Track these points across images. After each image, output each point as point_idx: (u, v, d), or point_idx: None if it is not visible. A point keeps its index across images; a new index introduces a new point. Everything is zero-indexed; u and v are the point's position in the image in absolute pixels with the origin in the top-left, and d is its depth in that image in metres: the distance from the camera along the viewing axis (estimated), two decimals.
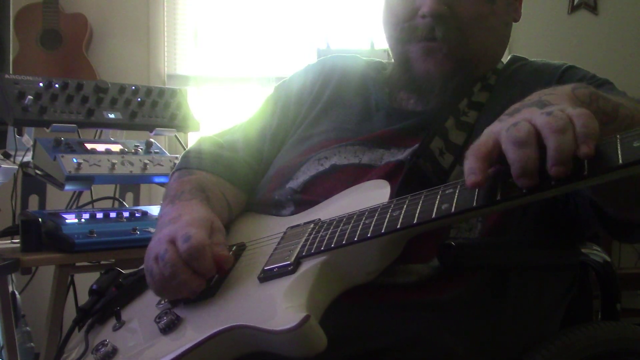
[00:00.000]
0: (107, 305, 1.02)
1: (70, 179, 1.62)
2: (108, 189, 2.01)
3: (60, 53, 3.23)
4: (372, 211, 0.83)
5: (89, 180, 1.67)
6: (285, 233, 0.94)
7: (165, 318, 0.88)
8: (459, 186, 0.75)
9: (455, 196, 0.74)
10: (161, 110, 1.90)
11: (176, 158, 1.81)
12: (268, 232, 0.97)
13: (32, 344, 2.46)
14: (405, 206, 0.79)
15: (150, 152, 1.83)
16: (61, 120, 1.72)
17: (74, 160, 1.63)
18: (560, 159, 0.64)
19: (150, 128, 1.88)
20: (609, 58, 3.34)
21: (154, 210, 1.72)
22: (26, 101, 1.67)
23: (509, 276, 0.92)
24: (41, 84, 1.73)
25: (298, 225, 0.93)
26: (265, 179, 1.12)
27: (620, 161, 0.63)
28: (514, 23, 1.10)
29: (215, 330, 0.79)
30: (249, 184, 1.15)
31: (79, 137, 1.81)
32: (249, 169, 1.16)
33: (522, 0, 1.11)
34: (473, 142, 0.77)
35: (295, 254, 0.85)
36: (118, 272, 1.08)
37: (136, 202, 2.03)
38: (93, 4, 3.37)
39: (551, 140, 0.64)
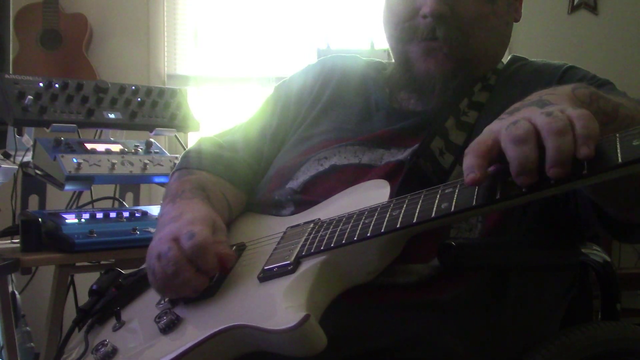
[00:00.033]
0: (107, 305, 1.02)
1: (70, 179, 1.62)
2: (108, 189, 2.01)
3: (60, 53, 3.23)
4: (371, 211, 0.83)
5: (89, 180, 1.67)
6: (285, 233, 0.94)
7: (165, 318, 0.88)
8: (458, 185, 0.75)
9: (455, 195, 0.74)
10: (161, 110, 1.90)
11: (176, 158, 1.81)
12: (268, 232, 0.97)
13: (32, 344, 2.46)
14: (404, 206, 0.79)
15: (150, 152, 1.83)
16: (61, 120, 1.72)
17: (74, 160, 1.63)
18: (559, 160, 0.64)
19: (150, 128, 1.88)
20: (609, 58, 3.34)
21: (154, 210, 1.72)
22: (26, 101, 1.67)
23: (509, 276, 0.92)
24: (41, 84, 1.73)
25: (298, 225, 0.93)
26: (265, 179, 1.12)
27: (620, 160, 0.63)
28: (514, 23, 1.10)
29: (215, 329, 0.79)
30: (248, 184, 1.15)
31: (79, 137, 1.81)
32: (248, 169, 1.16)
33: (523, 0, 1.11)
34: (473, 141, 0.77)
35: (295, 254, 0.85)
36: (118, 272, 1.08)
37: (136, 202, 2.03)
38: (93, 4, 3.37)
39: (550, 142, 0.64)
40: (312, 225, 0.90)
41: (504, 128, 0.68)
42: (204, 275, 0.88)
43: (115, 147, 1.77)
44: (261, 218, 1.06)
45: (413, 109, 1.08)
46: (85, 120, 1.76)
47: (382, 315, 0.87)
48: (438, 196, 0.76)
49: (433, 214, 0.74)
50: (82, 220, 1.60)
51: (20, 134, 1.81)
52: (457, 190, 0.74)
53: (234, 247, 0.98)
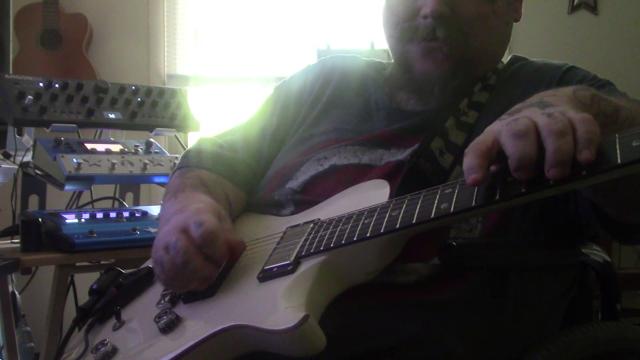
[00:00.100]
0: (107, 305, 1.02)
1: (70, 179, 1.62)
2: (108, 189, 2.01)
3: (60, 53, 3.23)
4: (371, 211, 0.83)
5: (89, 180, 1.67)
6: (284, 233, 0.94)
7: (165, 318, 0.88)
8: (458, 186, 0.75)
9: (455, 196, 0.74)
10: (161, 110, 1.90)
11: (176, 158, 1.81)
12: (268, 232, 0.97)
13: (32, 344, 2.46)
14: (404, 206, 0.79)
15: (150, 152, 1.83)
16: (61, 120, 1.72)
17: (74, 160, 1.63)
18: (559, 161, 0.64)
19: (150, 128, 1.88)
20: (609, 58, 3.34)
21: (154, 210, 1.72)
22: (26, 101, 1.67)
23: (509, 276, 0.92)
24: (41, 84, 1.73)
25: (298, 225, 0.93)
26: (265, 179, 1.12)
27: (619, 160, 0.63)
28: (514, 23, 1.10)
29: (214, 329, 0.79)
30: (248, 184, 1.15)
31: (79, 137, 1.81)
32: (248, 169, 1.16)
33: (522, 0, 1.11)
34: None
35: (294, 254, 0.85)
36: (118, 271, 1.08)
37: (136, 202, 2.03)
38: (93, 4, 3.37)
39: (550, 142, 0.64)
40: (311, 225, 0.90)
41: (504, 125, 0.68)
42: (213, 264, 0.87)
43: (115, 147, 1.77)
44: (261, 218, 1.06)
45: (413, 109, 1.08)
46: (85, 120, 1.76)
47: (382, 315, 0.87)
48: (437, 196, 0.76)
49: (432, 215, 0.74)
50: (82, 220, 1.60)
51: (20, 134, 1.81)
52: (456, 191, 0.74)
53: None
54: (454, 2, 1.01)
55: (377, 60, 1.23)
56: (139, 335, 0.93)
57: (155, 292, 0.99)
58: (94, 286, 1.05)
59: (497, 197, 0.69)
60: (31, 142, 1.76)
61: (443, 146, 0.97)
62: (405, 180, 0.93)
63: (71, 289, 1.81)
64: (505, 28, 1.08)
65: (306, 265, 0.83)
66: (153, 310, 0.93)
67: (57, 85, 1.75)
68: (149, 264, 1.06)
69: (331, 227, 0.85)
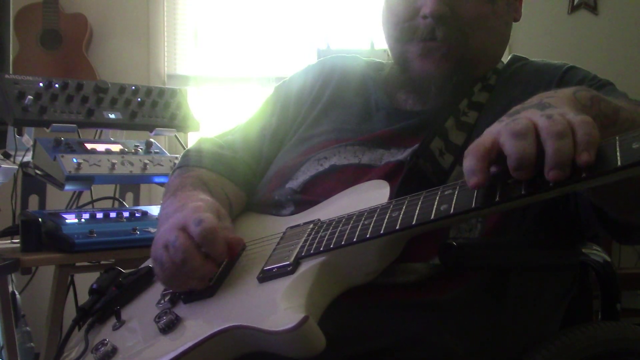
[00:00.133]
0: (107, 304, 1.02)
1: (70, 179, 1.62)
2: (108, 189, 2.01)
3: (60, 53, 3.23)
4: (371, 212, 0.83)
5: (89, 180, 1.68)
6: (284, 233, 0.94)
7: (164, 318, 0.88)
8: (458, 187, 0.75)
9: (454, 197, 0.74)
10: (161, 110, 1.90)
11: (176, 158, 1.81)
12: (268, 232, 0.97)
13: (32, 344, 2.46)
14: (404, 207, 0.79)
15: (150, 152, 1.83)
16: (61, 120, 1.72)
17: (74, 160, 1.63)
18: (558, 162, 0.64)
19: (150, 128, 1.88)
20: (609, 58, 3.34)
21: (154, 210, 1.72)
22: (26, 101, 1.67)
23: (509, 276, 0.92)
24: (41, 84, 1.73)
25: (298, 226, 0.93)
26: (265, 179, 1.12)
27: (619, 163, 0.63)
28: (514, 23, 1.10)
29: (214, 330, 0.79)
30: (248, 184, 1.15)
31: (79, 137, 1.81)
32: (248, 168, 1.16)
33: (522, 0, 1.11)
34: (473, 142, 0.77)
35: (294, 255, 0.85)
36: (118, 271, 1.08)
37: (136, 202, 2.03)
38: (93, 4, 3.37)
39: (549, 144, 0.64)
40: (311, 225, 0.90)
41: (504, 126, 0.68)
42: (212, 262, 0.87)
43: (115, 147, 1.78)
44: (261, 218, 1.06)
45: (412, 109, 1.08)
46: (85, 120, 1.76)
47: (382, 315, 0.87)
48: (437, 198, 0.76)
49: (432, 216, 0.74)
50: (82, 220, 1.60)
51: (20, 134, 1.81)
52: (456, 192, 0.74)
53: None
54: (454, 2, 1.01)
55: (377, 60, 1.23)
56: (139, 335, 0.93)
57: (155, 292, 0.99)
58: (94, 286, 1.05)
59: (497, 198, 0.69)
60: (31, 142, 1.76)
61: (443, 146, 0.97)
62: (405, 181, 0.93)
63: (71, 289, 1.81)
64: (505, 28, 1.08)
65: (306, 266, 0.83)
66: (153, 310, 0.93)
67: (57, 85, 1.75)
68: (149, 263, 1.06)
69: (331, 228, 0.85)
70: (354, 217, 0.84)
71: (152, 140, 1.87)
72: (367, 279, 0.84)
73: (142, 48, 3.40)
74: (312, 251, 0.84)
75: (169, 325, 0.87)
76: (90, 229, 1.54)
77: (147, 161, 1.76)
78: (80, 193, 1.96)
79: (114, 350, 0.91)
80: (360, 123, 1.09)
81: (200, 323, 0.86)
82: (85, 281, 1.29)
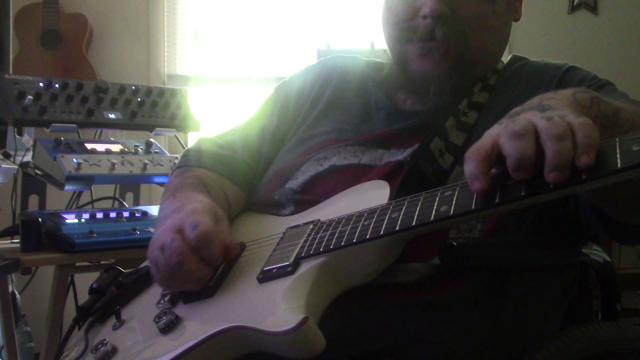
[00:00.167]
0: (107, 304, 1.02)
1: (70, 179, 1.62)
2: (108, 189, 2.01)
3: (60, 53, 3.23)
4: (371, 212, 0.83)
5: (89, 180, 1.68)
6: (284, 233, 0.94)
7: (164, 318, 0.88)
8: (458, 188, 0.75)
9: (454, 198, 0.74)
10: (161, 110, 1.90)
11: (176, 158, 1.81)
12: (268, 232, 0.97)
13: (32, 344, 2.46)
14: (404, 208, 0.79)
15: (150, 152, 1.83)
16: (61, 120, 1.72)
17: (74, 160, 1.63)
18: (558, 164, 0.64)
19: (150, 128, 1.88)
20: (609, 58, 3.34)
21: (154, 210, 1.72)
22: (26, 101, 1.67)
23: (509, 276, 0.92)
24: (41, 84, 1.73)
25: (297, 226, 0.93)
26: (265, 179, 1.12)
27: (619, 165, 0.63)
28: (514, 23, 1.10)
29: (214, 330, 0.79)
30: (248, 183, 1.15)
31: (79, 137, 1.81)
32: (248, 168, 1.16)
33: (522, 0, 1.11)
34: (473, 143, 0.77)
35: (294, 255, 0.85)
36: (118, 271, 1.08)
37: (136, 202, 2.03)
38: (93, 4, 3.37)
39: (549, 146, 0.65)
40: (311, 226, 0.90)
41: (503, 128, 0.68)
42: (207, 266, 0.87)
43: (115, 147, 1.78)
44: (261, 218, 1.06)
45: (411, 109, 1.08)
46: (85, 120, 1.76)
47: (382, 315, 0.87)
48: (437, 199, 0.76)
49: (432, 217, 0.74)
50: (82, 220, 1.60)
51: (20, 134, 1.81)
52: (456, 193, 0.74)
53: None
54: (454, 2, 1.01)
55: (377, 60, 1.23)
56: (139, 335, 0.93)
57: (155, 292, 0.99)
58: (94, 285, 1.05)
59: (497, 200, 0.69)
60: (31, 142, 1.76)
61: (443, 147, 0.97)
62: (405, 181, 0.93)
63: (71, 289, 1.81)
64: (504, 28, 1.08)
65: (306, 267, 0.82)
66: (153, 310, 0.93)
67: (57, 85, 1.75)
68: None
69: (331, 229, 0.85)
70: (354, 217, 0.84)
71: (152, 140, 1.87)
72: (366, 280, 0.84)
73: (142, 48, 3.40)
74: (311, 252, 0.84)
75: (169, 326, 0.87)
76: (90, 229, 1.54)
77: (147, 161, 1.76)
78: (80, 193, 1.96)
79: (114, 350, 0.91)
80: (360, 123, 1.09)
81: (200, 323, 0.86)
82: (85, 281, 1.29)
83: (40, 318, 2.00)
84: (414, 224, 0.76)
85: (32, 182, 1.74)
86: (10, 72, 1.98)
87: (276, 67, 3.40)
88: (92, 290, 1.05)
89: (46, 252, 1.55)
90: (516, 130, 0.66)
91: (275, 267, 0.85)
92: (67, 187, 1.65)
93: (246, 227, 1.06)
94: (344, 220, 0.85)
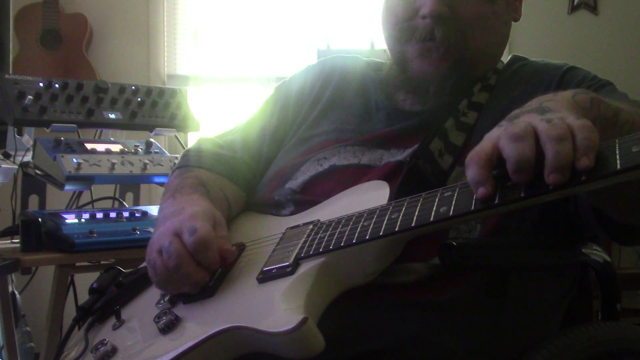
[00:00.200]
0: (107, 304, 1.02)
1: (70, 179, 1.62)
2: (108, 189, 2.01)
3: (60, 53, 3.23)
4: (370, 213, 0.83)
5: (89, 180, 1.68)
6: (284, 234, 0.94)
7: (164, 318, 0.88)
8: (457, 189, 0.75)
9: (454, 199, 0.74)
10: (161, 110, 1.90)
11: (176, 158, 1.81)
12: (267, 232, 0.97)
13: (32, 344, 2.46)
14: (403, 209, 0.79)
15: (150, 152, 1.83)
16: (61, 120, 1.72)
17: (74, 160, 1.63)
18: (558, 166, 0.64)
19: (150, 128, 1.88)
20: (609, 58, 3.34)
21: (154, 210, 1.72)
22: (26, 101, 1.67)
23: (509, 276, 0.92)
24: (41, 84, 1.73)
25: (297, 226, 0.93)
26: (265, 179, 1.12)
27: (619, 166, 0.63)
28: (514, 23, 1.10)
29: (213, 330, 0.79)
30: (248, 183, 1.15)
31: (79, 137, 1.81)
32: (248, 168, 1.16)
33: (522, 0, 1.11)
34: (473, 143, 0.77)
35: (294, 255, 0.85)
36: (118, 270, 1.08)
37: (136, 202, 2.03)
38: (93, 4, 3.37)
39: (549, 148, 0.65)
40: (311, 226, 0.90)
41: (503, 130, 0.68)
42: (204, 270, 0.88)
43: (115, 147, 1.78)
44: (261, 218, 1.06)
45: (411, 109, 1.08)
46: (85, 120, 1.76)
47: (382, 315, 0.87)
48: (437, 200, 0.76)
49: (432, 218, 0.74)
50: (82, 220, 1.60)
51: (20, 134, 1.81)
52: (456, 194, 0.74)
53: (234, 247, 0.98)
54: (453, 2, 1.01)
55: (378, 60, 1.23)
56: (139, 335, 0.93)
57: (155, 292, 0.99)
58: (94, 285, 1.05)
59: (496, 201, 0.69)
60: (31, 142, 1.76)
61: (442, 147, 0.97)
62: (405, 181, 0.93)
63: (71, 289, 1.81)
64: (504, 28, 1.08)
65: (305, 267, 0.82)
66: (153, 310, 0.93)
67: (57, 85, 1.75)
68: None
69: (330, 229, 0.85)
70: (354, 218, 0.84)
71: (152, 140, 1.87)
72: (366, 280, 0.84)
73: (142, 48, 3.40)
74: (311, 252, 0.84)
75: (169, 326, 0.87)
76: (90, 229, 1.54)
77: (147, 161, 1.76)
78: (80, 193, 1.96)
79: (114, 350, 0.91)
80: (360, 123, 1.09)
81: (199, 323, 0.86)
82: (85, 281, 1.29)
83: (40, 318, 2.00)
84: (413, 224, 0.76)
85: (32, 182, 1.74)
86: (10, 72, 1.97)
87: (276, 67, 3.40)
88: (92, 290, 1.06)
89: (46, 252, 1.55)
90: (516, 133, 0.66)
91: (275, 268, 0.85)
92: (67, 187, 1.65)
93: (246, 227, 1.06)
94: (343, 221, 0.85)
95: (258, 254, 0.92)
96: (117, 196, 2.00)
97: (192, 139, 2.94)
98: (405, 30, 1.04)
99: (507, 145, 0.67)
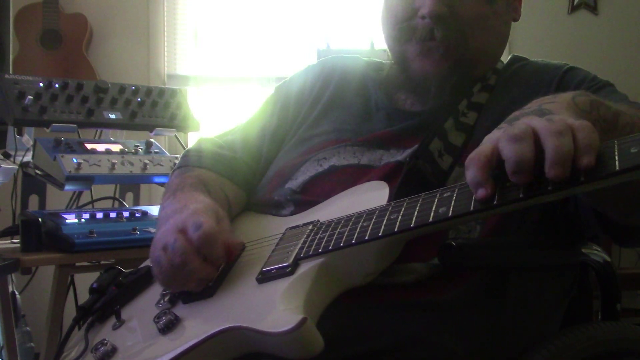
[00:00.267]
0: (107, 304, 1.02)
1: (70, 179, 1.62)
2: (108, 189, 2.01)
3: (60, 53, 3.23)
4: (370, 213, 0.83)
5: (89, 180, 1.68)
6: (284, 234, 0.94)
7: (164, 318, 0.88)
8: (456, 189, 0.75)
9: (453, 200, 0.74)
10: (161, 110, 1.90)
11: (176, 158, 1.81)
12: (267, 232, 0.97)
13: (32, 344, 2.46)
14: (402, 209, 0.79)
15: (150, 152, 1.83)
16: (61, 120, 1.72)
17: (74, 160, 1.63)
18: (559, 159, 0.64)
19: (150, 128, 1.88)
20: (609, 58, 3.34)
21: (154, 210, 1.72)
22: (26, 101, 1.67)
23: (509, 276, 0.92)
24: (41, 84, 1.73)
25: (297, 226, 0.93)
26: (265, 180, 1.12)
27: (617, 167, 0.63)
28: (513, 23, 1.10)
29: (213, 331, 0.79)
30: (248, 183, 1.15)
31: (79, 137, 1.81)
32: (248, 168, 1.16)
33: (522, 0, 1.11)
34: (472, 143, 0.77)
35: (293, 256, 0.85)
36: (118, 270, 1.08)
37: (136, 202, 2.03)
38: (93, 4, 3.37)
39: (549, 142, 0.64)
40: (310, 226, 0.90)
41: (502, 132, 0.68)
42: (210, 266, 0.87)
43: (115, 147, 1.78)
44: (261, 218, 1.06)
45: (411, 109, 1.08)
46: (85, 120, 1.76)
47: (382, 315, 0.87)
48: (436, 200, 0.76)
49: (431, 219, 0.74)
50: (82, 220, 1.60)
51: (20, 134, 1.81)
52: (455, 195, 0.74)
53: (239, 240, 0.97)
54: (453, 2, 1.01)
55: (378, 60, 1.23)
56: (138, 335, 0.93)
57: (155, 292, 0.99)
58: (94, 285, 1.05)
59: (496, 202, 0.69)
60: (31, 142, 1.76)
61: (442, 147, 0.97)
62: (404, 182, 0.93)
63: (71, 289, 1.81)
64: (504, 28, 1.08)
65: (305, 267, 0.82)
66: (152, 310, 0.93)
67: (57, 85, 1.75)
68: (149, 263, 1.06)
69: (330, 229, 0.85)
70: (353, 218, 0.84)
71: (152, 140, 1.87)
72: (366, 280, 0.84)
73: (142, 48, 3.40)
74: (310, 252, 0.84)
75: (168, 326, 0.87)
76: (90, 229, 1.54)
77: (147, 161, 1.76)
78: (80, 193, 1.96)
79: (114, 350, 0.91)
80: (360, 123, 1.09)
81: (199, 323, 0.86)
82: (85, 281, 1.29)
83: (40, 318, 2.00)
84: (412, 225, 0.76)
85: (32, 182, 1.74)
86: (10, 72, 1.97)
87: (276, 67, 3.40)
88: (92, 290, 1.06)
89: (46, 252, 1.55)
90: (515, 134, 0.66)
91: (275, 268, 0.85)
92: (67, 187, 1.65)
93: (246, 227, 1.06)
94: (343, 221, 0.85)
95: (258, 254, 0.92)
96: (117, 196, 2.00)
97: (192, 139, 2.94)
98: (404, 30, 1.04)
99: (507, 146, 0.67)
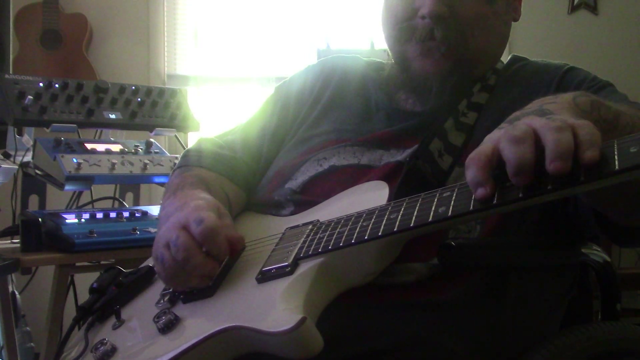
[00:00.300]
0: (107, 303, 1.02)
1: (70, 179, 1.62)
2: (108, 189, 2.01)
3: (60, 53, 3.23)
4: (369, 213, 0.83)
5: (89, 180, 1.68)
6: (284, 234, 0.94)
7: (163, 318, 0.88)
8: (456, 189, 0.75)
9: (452, 199, 0.74)
10: (161, 110, 1.90)
11: (176, 158, 1.81)
12: (267, 232, 0.97)
13: (32, 344, 2.46)
14: (402, 209, 0.79)
15: (150, 152, 1.83)
16: (61, 120, 1.72)
17: (74, 160, 1.63)
18: (559, 153, 0.63)
19: (150, 128, 1.88)
20: (609, 58, 3.34)
21: (154, 210, 1.72)
22: (26, 101, 1.67)
23: (509, 276, 0.92)
24: (41, 84, 1.73)
25: (297, 226, 0.93)
26: (265, 180, 1.12)
27: (617, 167, 0.63)
28: (513, 23, 1.10)
29: (212, 330, 0.79)
30: (248, 183, 1.15)
31: (79, 137, 1.81)
32: (248, 168, 1.16)
33: (522, 0, 1.11)
34: (472, 143, 0.77)
35: (293, 255, 0.85)
36: (119, 270, 1.08)
37: (136, 202, 2.03)
38: (93, 4, 3.37)
39: (549, 137, 0.64)
40: (310, 226, 0.90)
41: (503, 133, 0.68)
42: (213, 260, 0.87)
43: (115, 147, 1.78)
44: (260, 218, 1.06)
45: (411, 109, 1.08)
46: (85, 120, 1.76)
47: (382, 315, 0.87)
48: (436, 200, 0.76)
49: (430, 218, 0.74)
50: (82, 220, 1.60)
51: (20, 134, 1.81)
52: (454, 195, 0.74)
53: (241, 235, 0.97)
54: (453, 2, 1.01)
55: (378, 60, 1.23)
56: (138, 334, 0.93)
57: (155, 292, 0.99)
58: (95, 285, 1.05)
59: (495, 201, 0.69)
60: (31, 142, 1.76)
61: (442, 147, 0.97)
62: (404, 182, 0.93)
63: (71, 289, 1.81)
64: (504, 28, 1.08)
65: (304, 267, 0.82)
66: (152, 310, 0.93)
67: (57, 85, 1.75)
68: (149, 263, 1.06)
69: (330, 229, 0.85)
70: (353, 218, 0.84)
71: (152, 140, 1.87)
72: (365, 280, 0.84)
73: (142, 48, 3.40)
74: (310, 252, 0.84)
75: (168, 325, 0.87)
76: (90, 229, 1.54)
77: (147, 161, 1.76)
78: (80, 193, 1.96)
79: (114, 350, 0.91)
80: (360, 123, 1.09)
81: (198, 323, 0.86)
82: (85, 281, 1.29)
83: (40, 318, 2.00)
84: (412, 224, 0.76)
85: (32, 182, 1.74)
86: (10, 72, 1.97)
87: (276, 67, 3.40)
88: (92, 290, 1.06)
89: (46, 252, 1.55)
90: (516, 135, 0.66)
91: (274, 268, 0.85)
92: (67, 187, 1.65)
93: (246, 227, 1.06)
94: (342, 221, 0.85)
95: (257, 254, 0.92)
96: (117, 196, 2.00)
97: (192, 139, 2.95)
98: (404, 30, 1.04)
99: (507, 147, 0.66)
